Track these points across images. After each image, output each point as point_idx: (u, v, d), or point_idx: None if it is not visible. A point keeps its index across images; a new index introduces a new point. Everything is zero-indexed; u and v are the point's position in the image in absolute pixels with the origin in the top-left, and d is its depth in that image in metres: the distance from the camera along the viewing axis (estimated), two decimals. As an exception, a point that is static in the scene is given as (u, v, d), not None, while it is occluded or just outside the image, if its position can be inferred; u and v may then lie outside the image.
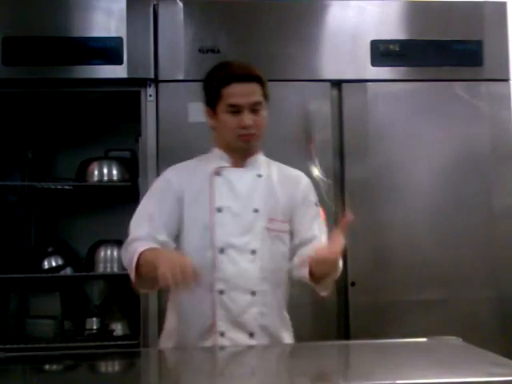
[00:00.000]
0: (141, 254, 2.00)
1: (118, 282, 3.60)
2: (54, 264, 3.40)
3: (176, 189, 2.14)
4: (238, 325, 2.08)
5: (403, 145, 3.10)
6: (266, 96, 2.14)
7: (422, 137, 3.11)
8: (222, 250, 2.08)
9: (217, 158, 2.17)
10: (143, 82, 3.01)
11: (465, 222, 3.09)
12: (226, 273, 2.07)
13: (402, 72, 3.14)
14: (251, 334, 2.09)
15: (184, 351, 2.14)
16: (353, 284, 3.00)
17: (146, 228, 2.10)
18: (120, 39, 2.99)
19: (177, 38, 3.03)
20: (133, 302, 3.18)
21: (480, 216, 3.10)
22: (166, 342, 2.20)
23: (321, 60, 3.11)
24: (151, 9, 3.03)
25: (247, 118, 2.07)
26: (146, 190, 2.94)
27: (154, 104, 3.00)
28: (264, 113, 2.14)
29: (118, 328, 3.28)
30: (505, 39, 3.19)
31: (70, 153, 3.65)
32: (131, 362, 2.06)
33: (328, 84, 3.10)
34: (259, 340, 2.09)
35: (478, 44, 3.16)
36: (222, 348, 2.08)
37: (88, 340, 3.21)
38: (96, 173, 3.36)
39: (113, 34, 3.00)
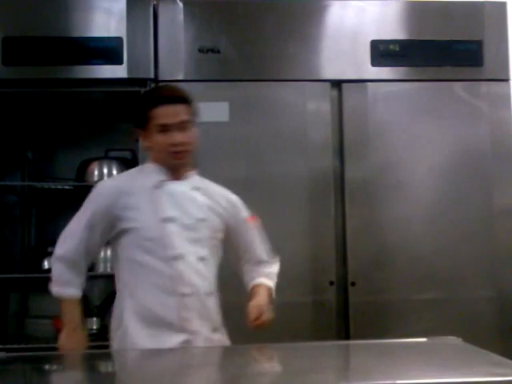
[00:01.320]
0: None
1: (118, 282, 3.60)
2: (54, 264, 3.40)
3: (108, 203, 2.26)
4: (201, 323, 2.23)
5: (403, 145, 3.11)
6: (193, 115, 2.29)
7: (422, 137, 3.11)
8: (175, 258, 2.21)
9: (154, 172, 2.29)
10: (143, 82, 3.01)
11: (465, 222, 3.09)
12: (185, 278, 2.21)
13: (402, 72, 3.14)
14: (214, 330, 2.27)
15: (182, 351, 2.15)
16: (353, 284, 3.00)
17: (70, 247, 2.27)
18: (120, 39, 2.99)
19: (177, 38, 3.03)
20: (133, 301, 3.18)
21: (480, 216, 3.10)
22: (122, 342, 2.26)
23: (321, 60, 3.11)
24: (151, 9, 3.03)
25: (175, 137, 2.22)
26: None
27: (154, 104, 3.00)
28: (193, 130, 2.27)
29: (118, 328, 3.27)
30: (505, 39, 3.19)
31: (69, 153, 3.64)
32: (131, 362, 2.06)
33: (328, 84, 3.10)
34: (220, 336, 2.27)
35: (478, 44, 3.16)
36: (215, 348, 2.09)
37: (88, 340, 3.20)
38: (96, 173, 3.36)
39: (113, 34, 3.00)
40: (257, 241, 2.40)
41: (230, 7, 3.10)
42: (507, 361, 1.71)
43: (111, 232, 2.26)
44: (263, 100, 3.06)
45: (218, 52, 3.04)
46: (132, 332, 2.22)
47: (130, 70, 3.00)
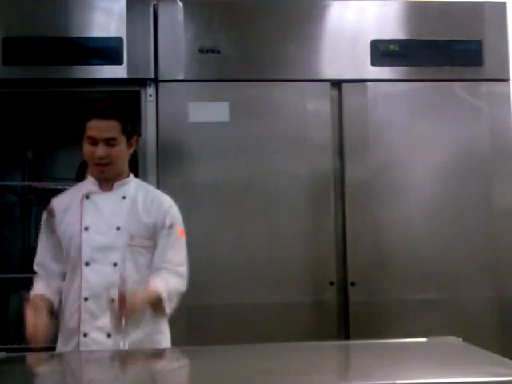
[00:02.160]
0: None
1: (118, 282, 3.60)
2: (54, 264, 3.39)
3: (52, 221, 2.45)
4: (99, 327, 2.31)
5: (403, 145, 3.10)
6: (126, 132, 2.38)
7: (422, 137, 3.12)
8: (87, 263, 2.34)
9: (89, 184, 2.46)
10: (143, 82, 3.01)
11: (465, 222, 3.09)
12: (90, 283, 2.33)
13: (402, 72, 3.14)
14: (109, 335, 2.29)
15: (182, 351, 2.14)
16: (353, 284, 3.00)
17: (36, 265, 2.46)
18: (120, 39, 2.99)
19: (177, 38, 3.03)
20: (133, 301, 3.18)
21: (480, 216, 3.10)
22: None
23: (321, 60, 3.11)
24: (151, 9, 3.03)
25: (100, 150, 2.34)
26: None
27: (153, 104, 3.00)
28: (120, 147, 2.37)
29: (118, 328, 3.27)
30: (505, 39, 3.19)
31: (70, 153, 3.64)
32: (131, 362, 2.06)
33: (328, 84, 3.10)
34: (115, 340, 2.25)
35: (478, 44, 3.16)
36: (215, 348, 2.09)
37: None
38: (96, 173, 3.36)
39: (113, 34, 3.00)
40: (170, 248, 2.41)
41: (230, 7, 3.10)
42: (507, 361, 1.71)
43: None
44: (263, 100, 3.06)
45: (218, 52, 3.04)
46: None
47: (130, 69, 3.00)
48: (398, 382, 1.55)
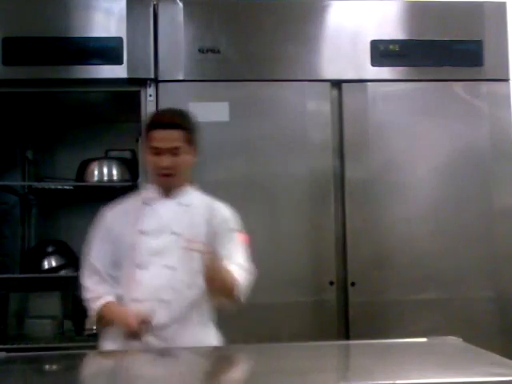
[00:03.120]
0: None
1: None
2: (54, 264, 3.40)
3: (109, 227, 2.43)
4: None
5: (403, 145, 3.10)
6: (189, 141, 2.39)
7: (422, 137, 3.11)
8: (141, 266, 2.35)
9: (148, 190, 2.48)
10: (143, 82, 3.01)
11: (465, 222, 3.09)
12: (143, 285, 2.34)
13: (401, 72, 3.14)
14: (155, 336, 2.29)
15: (182, 351, 2.15)
16: (353, 284, 3.00)
17: (93, 276, 2.43)
18: (120, 39, 2.99)
19: (177, 38, 3.03)
20: (133, 301, 3.18)
21: (480, 216, 3.10)
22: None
23: (321, 60, 3.11)
24: (151, 9, 3.03)
25: (164, 161, 2.35)
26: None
27: (153, 104, 3.00)
28: (185, 156, 2.38)
29: (118, 328, 3.27)
30: (505, 39, 3.19)
31: (69, 153, 3.64)
32: (131, 362, 2.06)
33: (328, 84, 3.10)
34: (161, 341, 2.29)
35: (478, 44, 3.16)
36: (219, 348, 2.09)
37: (88, 340, 3.20)
38: (96, 173, 3.36)
39: (113, 34, 3.00)
40: (236, 252, 2.41)
41: (230, 7, 3.10)
42: (507, 361, 1.71)
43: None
44: (263, 100, 3.06)
45: (218, 52, 3.04)
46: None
47: (129, 70, 3.00)
48: (398, 382, 1.55)
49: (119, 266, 2.39)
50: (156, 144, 2.34)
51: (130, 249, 2.37)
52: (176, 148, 2.34)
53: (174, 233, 2.36)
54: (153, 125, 2.39)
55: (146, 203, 2.43)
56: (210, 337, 2.39)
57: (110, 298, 2.37)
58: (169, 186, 2.42)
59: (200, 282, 2.29)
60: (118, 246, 2.39)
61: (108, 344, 2.37)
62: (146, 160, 2.42)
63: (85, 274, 2.44)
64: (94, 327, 2.37)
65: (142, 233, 2.37)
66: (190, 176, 2.46)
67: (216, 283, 2.25)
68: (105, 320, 2.37)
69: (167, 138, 2.34)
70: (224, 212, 2.45)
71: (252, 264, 2.39)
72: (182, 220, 2.40)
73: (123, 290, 2.37)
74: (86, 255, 2.44)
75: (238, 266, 2.35)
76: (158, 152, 2.35)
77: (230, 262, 2.33)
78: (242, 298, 2.32)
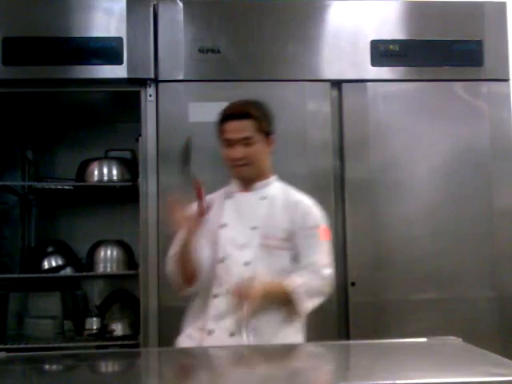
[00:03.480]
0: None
1: (118, 282, 3.61)
2: (53, 264, 3.40)
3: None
4: (223, 327, 2.28)
5: (403, 145, 3.10)
6: (262, 131, 2.36)
7: (422, 137, 3.11)
8: (221, 260, 2.33)
9: (232, 184, 2.46)
10: (143, 82, 3.01)
11: (465, 222, 3.09)
12: (222, 280, 2.31)
13: (402, 72, 3.14)
14: (231, 334, 2.26)
15: (183, 351, 2.15)
16: (353, 284, 3.00)
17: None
18: (120, 39, 2.99)
19: (177, 38, 3.03)
20: (133, 301, 3.19)
21: (480, 216, 3.10)
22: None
23: (321, 60, 3.11)
24: (151, 9, 3.03)
25: (236, 152, 2.34)
26: (145, 191, 2.97)
27: (153, 104, 3.00)
28: (258, 146, 2.35)
29: (118, 328, 3.28)
30: (505, 39, 3.19)
31: (69, 153, 3.65)
32: (131, 362, 2.06)
33: (328, 84, 3.10)
34: (238, 340, 2.25)
35: (478, 44, 3.16)
36: (218, 348, 2.09)
37: (88, 340, 3.21)
38: (96, 173, 3.37)
39: (113, 34, 3.00)
40: (314, 249, 2.35)
41: (230, 7, 3.10)
42: (507, 361, 1.71)
43: None
44: (263, 100, 3.06)
45: (218, 52, 3.04)
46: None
47: (130, 69, 3.00)
48: (398, 381, 1.55)
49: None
50: (227, 136, 2.34)
51: (211, 243, 2.34)
52: (247, 138, 2.33)
53: (252, 227, 2.34)
54: (223, 117, 2.38)
55: (227, 197, 2.43)
56: (293, 334, 2.33)
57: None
58: (244, 177, 2.39)
59: (280, 279, 2.27)
60: (204, 238, 2.34)
61: (184, 341, 2.34)
62: (222, 154, 2.40)
63: (170, 258, 2.36)
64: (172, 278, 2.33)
65: (222, 226, 2.36)
66: (269, 167, 2.43)
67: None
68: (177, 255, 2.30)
69: (237, 128, 2.33)
70: (305, 206, 2.40)
71: (333, 263, 2.36)
72: (261, 213, 2.37)
73: (204, 285, 2.32)
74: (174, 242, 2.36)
75: (310, 272, 2.30)
76: (230, 144, 2.34)
77: (304, 266, 2.30)
78: (304, 307, 2.28)
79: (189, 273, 2.30)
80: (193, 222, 2.26)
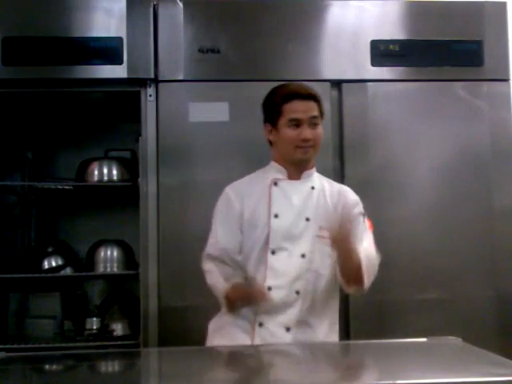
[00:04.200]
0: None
1: (118, 282, 3.61)
2: (53, 264, 3.40)
3: (236, 208, 2.33)
4: (279, 321, 2.24)
5: (403, 145, 3.10)
6: (321, 113, 2.33)
7: (422, 137, 3.11)
8: (273, 252, 2.27)
9: (274, 170, 2.37)
10: (143, 82, 3.01)
11: (465, 222, 3.09)
12: (276, 272, 2.25)
13: (402, 72, 3.14)
14: (288, 329, 2.24)
15: (183, 351, 2.15)
16: (353, 284, 3.00)
17: (216, 251, 2.33)
18: (120, 39, 2.99)
19: (177, 38, 3.03)
20: (133, 301, 3.19)
21: (480, 216, 3.10)
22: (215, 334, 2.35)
23: (321, 60, 3.11)
24: (151, 9, 3.03)
25: (307, 132, 2.27)
26: (145, 191, 2.96)
27: (153, 104, 3.00)
28: (321, 129, 2.32)
29: (118, 328, 3.28)
30: (505, 39, 3.19)
31: (70, 153, 3.65)
32: (131, 362, 2.06)
33: (328, 84, 3.10)
34: (295, 334, 2.23)
35: (478, 44, 3.15)
36: (217, 348, 2.09)
37: (88, 340, 3.21)
38: (96, 173, 3.36)
39: (113, 34, 3.00)
40: (364, 235, 2.33)
41: (230, 7, 3.10)
42: (507, 361, 1.71)
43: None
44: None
45: (218, 52, 3.04)
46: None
47: (130, 69, 3.00)
48: (397, 381, 1.55)
49: (245, 250, 2.29)
50: (296, 115, 2.26)
51: (262, 232, 2.27)
52: (316, 117, 2.28)
53: (307, 218, 2.28)
54: (290, 96, 2.28)
55: (274, 183, 2.33)
56: (329, 328, 2.31)
57: (237, 279, 2.26)
58: (306, 158, 2.30)
59: (332, 272, 2.23)
60: (248, 228, 2.29)
61: (216, 339, 2.31)
62: (280, 136, 2.30)
63: (206, 257, 2.34)
64: (224, 310, 2.28)
65: (275, 216, 2.28)
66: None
67: (348, 261, 2.16)
68: (232, 301, 2.25)
69: (306, 108, 2.27)
70: (353, 196, 2.38)
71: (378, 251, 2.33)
72: (314, 204, 2.31)
73: (252, 276, 2.26)
74: (210, 238, 2.35)
75: (365, 252, 2.25)
76: (296, 123, 2.27)
77: (359, 246, 2.23)
78: (368, 283, 2.25)
79: None
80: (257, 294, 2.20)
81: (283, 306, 2.24)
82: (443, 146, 3.12)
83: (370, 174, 3.06)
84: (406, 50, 3.13)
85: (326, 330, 2.30)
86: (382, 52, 3.11)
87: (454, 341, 2.00)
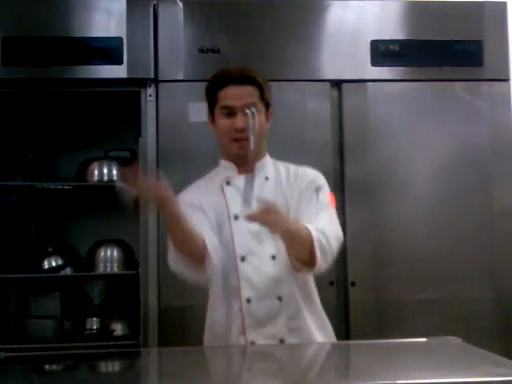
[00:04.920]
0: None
1: (118, 282, 3.60)
2: (53, 264, 3.40)
3: (198, 205, 2.12)
4: (269, 334, 2.07)
5: (403, 145, 3.11)
6: (264, 100, 2.11)
7: (422, 137, 3.11)
8: (243, 258, 2.07)
9: (224, 168, 2.18)
10: (143, 82, 3.01)
11: (465, 222, 3.09)
12: (252, 281, 2.06)
13: (402, 72, 3.14)
14: (281, 341, 2.08)
15: (183, 351, 2.15)
16: (353, 284, 3.00)
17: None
18: (120, 39, 2.99)
19: (177, 38, 3.03)
20: (133, 301, 3.19)
21: (480, 216, 3.10)
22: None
23: (321, 60, 3.11)
24: (151, 9, 3.03)
25: (239, 121, 2.04)
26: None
27: (153, 104, 3.00)
28: (260, 118, 2.08)
29: (118, 328, 3.28)
30: (505, 39, 3.19)
31: (70, 153, 3.64)
32: (131, 362, 2.06)
33: (328, 84, 3.10)
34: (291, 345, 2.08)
35: (478, 44, 3.16)
36: (217, 348, 2.09)
37: (88, 340, 3.21)
38: (96, 173, 3.36)
39: (113, 34, 3.00)
40: (321, 213, 2.09)
41: (230, 7, 3.10)
42: (507, 361, 1.71)
43: None
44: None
45: (218, 52, 3.04)
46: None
47: (129, 69, 3.00)
48: (397, 381, 1.55)
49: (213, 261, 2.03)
50: (228, 102, 2.05)
51: (225, 236, 2.06)
52: (253, 104, 2.03)
53: None
54: (221, 81, 2.08)
55: (226, 182, 2.13)
56: (320, 327, 2.17)
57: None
58: (243, 153, 2.04)
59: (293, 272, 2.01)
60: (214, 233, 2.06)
61: (209, 339, 2.16)
62: (215, 127, 2.11)
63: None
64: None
65: (235, 217, 2.06)
66: (265, 144, 2.18)
67: (289, 240, 1.93)
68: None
69: (240, 94, 2.04)
70: (309, 173, 2.17)
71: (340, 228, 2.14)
72: (270, 197, 2.05)
73: (223, 286, 2.06)
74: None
75: (319, 229, 1.99)
76: (229, 112, 2.05)
77: (309, 224, 1.99)
78: (323, 263, 1.98)
79: (192, 246, 1.99)
80: (159, 188, 1.95)
81: (269, 317, 2.07)
82: (443, 145, 3.12)
83: (370, 173, 3.06)
84: (406, 50, 3.13)
85: (320, 330, 2.20)
86: (381, 52, 3.12)
87: (454, 341, 2.00)
